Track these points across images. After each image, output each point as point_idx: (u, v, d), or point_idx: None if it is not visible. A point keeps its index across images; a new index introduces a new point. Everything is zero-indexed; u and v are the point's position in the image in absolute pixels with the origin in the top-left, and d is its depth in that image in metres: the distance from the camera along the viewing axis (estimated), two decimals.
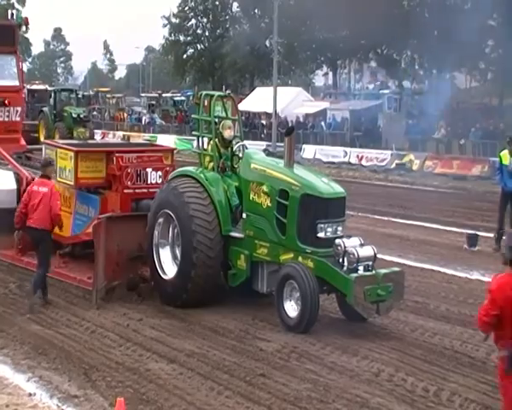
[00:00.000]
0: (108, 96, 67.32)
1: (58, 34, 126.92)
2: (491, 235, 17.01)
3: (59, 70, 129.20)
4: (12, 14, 18.12)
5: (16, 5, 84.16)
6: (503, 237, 16.46)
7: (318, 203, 10.68)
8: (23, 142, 17.54)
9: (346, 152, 38.17)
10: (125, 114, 60.44)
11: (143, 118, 57.34)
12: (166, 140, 41.65)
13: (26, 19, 18.05)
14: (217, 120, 12.20)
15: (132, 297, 12.00)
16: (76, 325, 10.89)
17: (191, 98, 53.85)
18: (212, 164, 12.01)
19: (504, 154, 16.55)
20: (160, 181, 12.77)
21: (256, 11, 67.01)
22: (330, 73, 70.03)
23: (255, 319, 11.12)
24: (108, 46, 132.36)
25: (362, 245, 10.60)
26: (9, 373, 8.99)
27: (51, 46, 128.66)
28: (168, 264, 11.87)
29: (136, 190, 12.78)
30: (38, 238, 11.77)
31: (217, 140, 12.06)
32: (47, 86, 51.81)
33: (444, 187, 29.70)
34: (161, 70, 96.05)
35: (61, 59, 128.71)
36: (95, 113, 60.21)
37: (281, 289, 10.60)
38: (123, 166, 12.77)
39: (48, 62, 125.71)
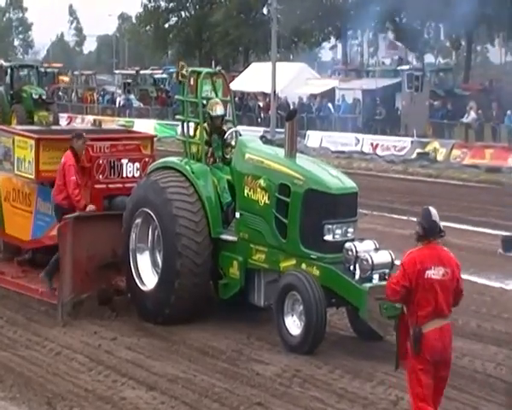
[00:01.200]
0: (76, 72, 67.26)
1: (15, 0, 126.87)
2: None
3: (16, 42, 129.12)
4: None
5: None
6: None
7: (325, 200, 10.70)
8: None
9: (358, 139, 38.18)
10: (96, 95, 60.41)
11: (118, 99, 57.27)
12: (145, 125, 41.67)
13: None
14: (205, 101, 12.21)
15: (105, 313, 12.00)
16: (37, 345, 10.89)
17: (174, 76, 53.84)
18: (199, 153, 12.02)
19: None
20: (137, 174, 12.81)
21: None
22: (339, 46, 70.15)
23: (250, 337, 11.14)
24: (75, 11, 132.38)
25: (377, 250, 10.64)
26: None
27: (7, 14, 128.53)
28: (147, 272, 11.89)
29: (110, 185, 12.81)
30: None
31: (205, 125, 12.07)
32: (2, 62, 51.75)
33: (474, 181, 29.75)
34: (139, 43, 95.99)
35: (19, 29, 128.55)
36: (60, 93, 60.18)
37: (281, 301, 10.62)
38: (93, 156, 12.78)
39: (3, 33, 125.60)
